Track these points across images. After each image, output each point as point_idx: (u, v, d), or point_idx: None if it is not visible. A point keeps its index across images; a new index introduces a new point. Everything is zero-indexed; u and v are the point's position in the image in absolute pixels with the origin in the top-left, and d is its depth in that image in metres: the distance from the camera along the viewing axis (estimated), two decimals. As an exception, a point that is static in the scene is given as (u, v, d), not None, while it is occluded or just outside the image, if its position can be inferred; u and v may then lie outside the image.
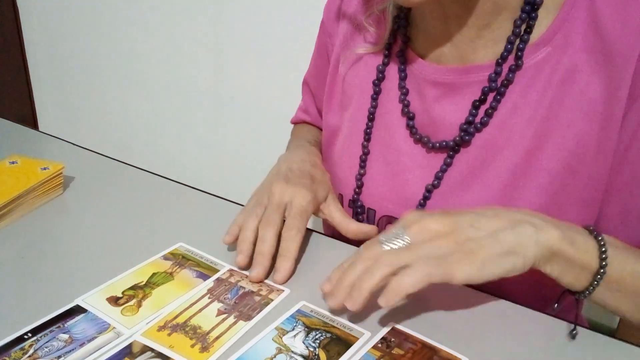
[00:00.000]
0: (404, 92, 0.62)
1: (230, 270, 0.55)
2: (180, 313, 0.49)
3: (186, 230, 0.62)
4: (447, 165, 0.59)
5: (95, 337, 0.47)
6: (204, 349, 0.45)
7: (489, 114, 0.56)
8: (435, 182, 0.59)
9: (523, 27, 0.55)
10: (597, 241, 0.47)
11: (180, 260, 0.57)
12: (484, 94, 0.56)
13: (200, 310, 0.50)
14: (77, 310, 0.50)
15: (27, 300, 0.51)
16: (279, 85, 1.48)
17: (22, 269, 0.56)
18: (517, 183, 0.56)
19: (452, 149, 0.58)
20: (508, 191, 0.56)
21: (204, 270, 0.56)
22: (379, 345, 0.46)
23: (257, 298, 0.51)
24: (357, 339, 0.47)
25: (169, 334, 0.47)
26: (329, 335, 0.47)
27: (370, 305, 0.47)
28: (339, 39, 0.69)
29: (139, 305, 0.50)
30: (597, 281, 0.47)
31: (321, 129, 0.75)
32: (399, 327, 0.48)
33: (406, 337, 0.47)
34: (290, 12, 1.39)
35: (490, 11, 0.55)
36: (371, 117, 0.64)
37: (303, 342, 0.46)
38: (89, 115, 2.02)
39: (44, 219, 0.65)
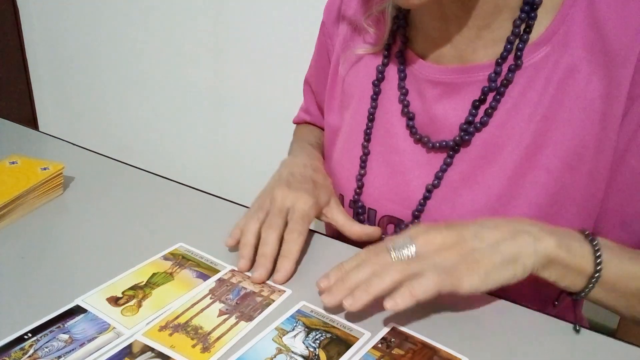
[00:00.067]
0: (404, 92, 0.62)
1: (232, 270, 0.56)
2: (182, 313, 0.49)
3: (186, 230, 0.62)
4: (447, 165, 0.59)
5: (95, 337, 0.47)
6: (205, 349, 0.45)
7: (488, 114, 0.56)
8: (436, 182, 0.59)
9: (522, 26, 0.55)
10: (592, 246, 0.49)
11: (180, 260, 0.57)
12: (484, 93, 0.56)
13: (202, 310, 0.50)
14: (77, 310, 0.50)
15: (27, 300, 0.51)
16: (279, 85, 1.48)
17: (22, 269, 0.56)
18: (517, 182, 0.56)
19: (452, 148, 0.58)
20: (508, 191, 0.56)
21: (204, 271, 0.56)
22: (379, 345, 0.46)
23: (259, 299, 0.51)
24: (357, 339, 0.47)
25: (171, 334, 0.47)
26: (329, 335, 0.47)
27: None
28: (339, 39, 0.69)
29: (139, 305, 0.50)
30: (592, 284, 0.49)
31: (323, 129, 0.75)
32: (399, 327, 0.48)
33: (406, 337, 0.47)
34: (290, 12, 1.39)
35: (490, 12, 0.55)
36: (371, 118, 0.64)
37: (303, 342, 0.46)
38: (89, 115, 2.02)
39: (44, 219, 0.65)
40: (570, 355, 0.47)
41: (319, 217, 0.63)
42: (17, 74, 2.04)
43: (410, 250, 0.48)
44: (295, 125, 0.88)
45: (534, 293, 0.55)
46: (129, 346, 0.46)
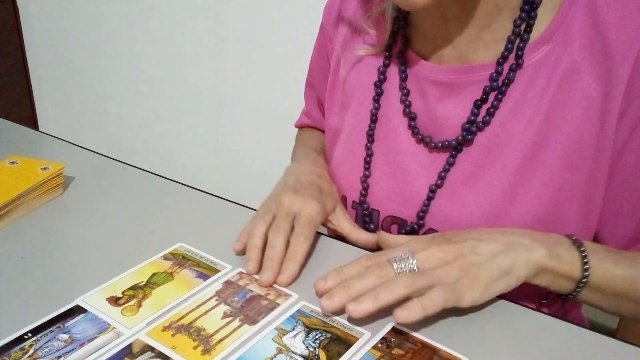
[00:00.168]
0: (405, 92, 0.62)
1: (240, 273, 0.55)
2: (187, 314, 0.49)
3: (186, 230, 0.62)
4: (450, 164, 0.59)
5: (95, 337, 0.47)
6: (206, 351, 0.45)
7: (490, 113, 0.56)
8: (439, 181, 0.59)
9: (523, 26, 0.55)
10: (579, 252, 0.52)
11: (180, 260, 0.57)
12: (486, 93, 0.56)
13: (207, 312, 0.50)
14: (77, 310, 0.50)
15: (27, 300, 0.51)
16: (279, 85, 1.48)
17: (22, 269, 0.56)
18: (519, 181, 0.56)
19: (455, 148, 0.58)
20: (511, 189, 0.56)
21: (204, 270, 0.56)
22: (379, 345, 0.46)
23: (264, 302, 0.51)
24: (357, 339, 0.47)
25: (173, 335, 0.47)
26: (329, 335, 0.47)
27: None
28: (339, 41, 0.69)
29: (139, 305, 0.50)
30: (580, 287, 0.52)
31: (324, 132, 0.75)
32: (399, 327, 0.48)
33: (406, 337, 0.47)
34: (290, 12, 1.39)
35: (490, 12, 0.55)
36: (374, 119, 0.64)
37: (303, 342, 0.46)
38: (89, 115, 2.02)
39: (44, 219, 0.65)
40: (570, 355, 0.47)
41: (324, 223, 0.63)
42: (17, 74, 2.04)
43: (412, 264, 0.49)
44: (296, 129, 0.89)
45: (533, 292, 0.55)
46: (129, 346, 0.46)
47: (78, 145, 0.85)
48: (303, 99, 0.85)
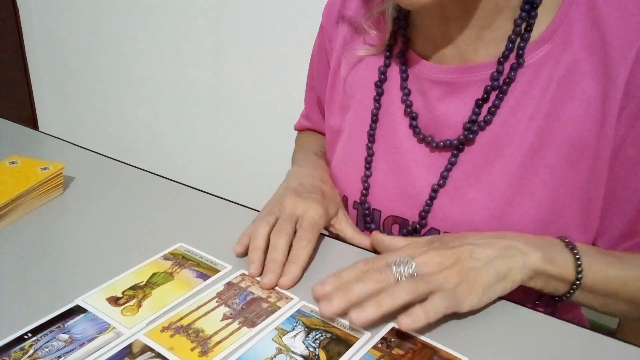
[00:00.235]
0: (406, 92, 0.62)
1: (243, 274, 0.55)
2: (187, 315, 0.49)
3: (186, 230, 0.62)
4: (451, 164, 0.59)
5: (95, 337, 0.47)
6: (203, 353, 0.45)
7: (492, 112, 0.57)
8: (441, 181, 0.59)
9: (523, 25, 0.55)
10: (573, 254, 0.52)
11: (180, 260, 0.57)
12: (487, 92, 0.56)
13: (206, 313, 0.50)
14: (77, 310, 0.50)
15: (27, 300, 0.51)
16: (279, 85, 1.48)
17: (22, 269, 0.56)
18: (521, 180, 0.56)
19: (457, 147, 0.58)
20: (512, 188, 0.56)
21: (204, 270, 0.56)
22: (379, 345, 0.46)
23: (265, 305, 0.51)
24: (357, 339, 0.47)
25: (172, 336, 0.47)
26: (329, 335, 0.47)
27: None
28: (339, 41, 0.69)
29: (139, 305, 0.50)
30: (573, 289, 0.53)
31: (324, 135, 0.75)
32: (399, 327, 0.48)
33: (406, 337, 0.47)
34: (290, 12, 1.39)
35: (491, 12, 0.55)
36: (374, 119, 0.64)
37: (303, 342, 0.46)
38: (89, 115, 2.02)
39: (44, 219, 0.65)
40: (570, 355, 0.47)
41: (327, 228, 0.63)
42: (17, 74, 2.04)
43: (411, 269, 0.49)
44: (296, 131, 0.88)
45: (521, 289, 0.55)
46: (129, 346, 0.46)
47: (78, 145, 0.85)
48: (303, 98, 0.85)
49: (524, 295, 0.54)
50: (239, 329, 0.48)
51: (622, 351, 0.47)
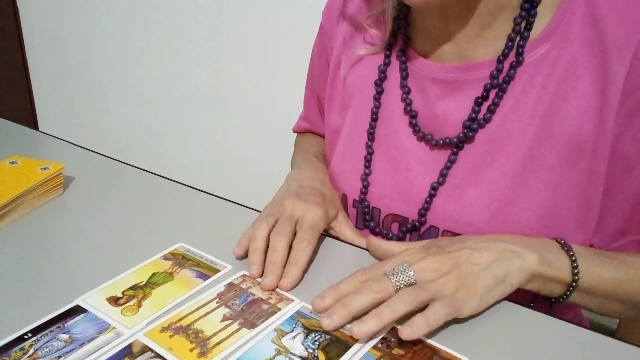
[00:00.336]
0: (406, 90, 0.62)
1: (244, 275, 0.55)
2: (187, 315, 0.49)
3: (186, 230, 0.62)
4: (451, 162, 0.59)
5: (95, 337, 0.47)
6: (202, 354, 0.45)
7: (491, 110, 0.57)
8: (441, 179, 0.59)
9: (523, 24, 0.55)
10: (568, 256, 0.53)
11: (180, 260, 0.57)
12: (486, 90, 0.57)
13: (206, 314, 0.50)
14: (77, 310, 0.50)
15: (27, 300, 0.51)
16: (279, 85, 1.48)
17: (22, 269, 0.56)
18: (520, 177, 0.56)
19: (456, 145, 0.58)
20: (512, 186, 0.56)
21: (204, 270, 0.56)
22: (379, 345, 0.46)
23: (265, 306, 0.51)
24: (357, 340, 0.47)
25: (171, 336, 0.47)
26: (328, 336, 0.47)
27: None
28: (339, 41, 0.70)
29: (139, 305, 0.50)
30: (569, 291, 0.53)
31: (323, 136, 0.75)
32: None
33: (406, 337, 0.47)
34: (290, 12, 1.39)
35: (492, 11, 0.55)
36: (374, 117, 0.64)
37: (302, 344, 0.46)
38: (89, 115, 2.02)
39: (44, 219, 0.65)
40: (570, 355, 0.47)
41: (327, 230, 0.63)
42: (17, 74, 2.04)
43: (409, 276, 0.48)
44: (295, 133, 0.88)
45: (517, 291, 0.55)
46: (129, 346, 0.46)
47: (78, 145, 0.85)
48: (302, 98, 0.85)
49: (519, 298, 0.55)
50: (238, 330, 0.48)
51: (622, 351, 0.47)
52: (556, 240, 0.54)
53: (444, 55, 0.60)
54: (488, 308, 0.50)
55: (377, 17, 0.65)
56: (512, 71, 0.55)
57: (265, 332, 0.47)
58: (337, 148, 0.70)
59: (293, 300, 0.52)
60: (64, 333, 0.47)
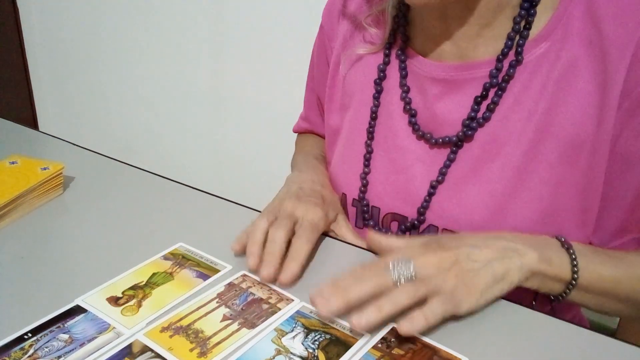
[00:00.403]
0: (406, 89, 0.62)
1: (244, 275, 0.55)
2: (187, 315, 0.49)
3: (186, 230, 0.62)
4: (450, 160, 0.59)
5: (95, 337, 0.47)
6: (202, 354, 0.45)
7: (490, 109, 0.57)
8: (440, 177, 0.59)
9: (522, 23, 0.55)
10: (568, 254, 0.53)
11: (180, 260, 0.57)
12: (485, 89, 0.57)
13: (206, 314, 0.50)
14: (77, 310, 0.50)
15: (27, 300, 0.51)
16: (279, 85, 1.48)
17: (22, 269, 0.56)
18: (519, 176, 0.56)
19: (455, 144, 0.59)
20: (511, 184, 0.56)
21: (204, 270, 0.56)
22: (379, 345, 0.46)
23: (265, 306, 0.51)
24: (357, 340, 0.47)
25: (171, 336, 0.47)
26: (328, 336, 0.47)
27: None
28: (339, 40, 0.70)
29: (139, 305, 0.50)
30: (569, 289, 0.53)
31: (323, 137, 0.75)
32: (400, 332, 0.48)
33: (406, 337, 0.47)
34: (290, 12, 1.39)
35: (492, 10, 0.55)
36: (374, 116, 0.64)
37: (302, 344, 0.46)
38: (89, 115, 2.02)
39: (44, 219, 0.65)
40: (570, 355, 0.47)
41: (326, 232, 0.63)
42: (17, 74, 2.04)
43: (409, 271, 0.48)
44: (295, 133, 0.88)
45: (517, 290, 0.55)
46: (129, 346, 0.46)
47: (78, 145, 0.85)
48: (302, 98, 0.85)
49: (520, 297, 0.55)
50: (238, 329, 0.48)
51: (622, 351, 0.47)
52: (557, 238, 0.54)
53: (443, 55, 0.60)
54: (488, 305, 0.51)
55: (376, 16, 0.65)
56: (511, 70, 0.55)
57: (265, 332, 0.47)
58: (337, 147, 0.70)
59: (293, 300, 0.52)
60: (64, 333, 0.47)
